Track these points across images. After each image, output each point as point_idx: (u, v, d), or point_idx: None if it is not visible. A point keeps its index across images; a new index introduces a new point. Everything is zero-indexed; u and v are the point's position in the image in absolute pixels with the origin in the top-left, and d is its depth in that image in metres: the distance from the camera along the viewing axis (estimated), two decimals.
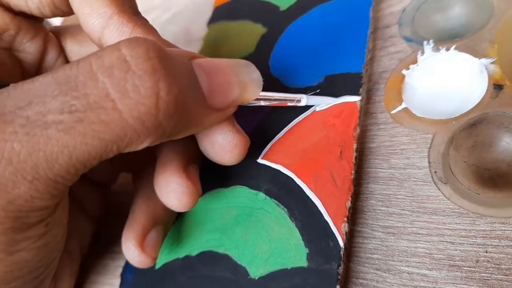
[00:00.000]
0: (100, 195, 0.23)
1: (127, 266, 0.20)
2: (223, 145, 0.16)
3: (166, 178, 0.16)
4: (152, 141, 0.13)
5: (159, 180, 0.17)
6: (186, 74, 0.14)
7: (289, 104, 0.19)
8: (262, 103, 0.18)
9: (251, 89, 0.16)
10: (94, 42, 0.16)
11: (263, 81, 0.22)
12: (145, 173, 0.19)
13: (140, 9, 0.34)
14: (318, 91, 0.20)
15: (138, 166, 0.20)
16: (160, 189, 0.17)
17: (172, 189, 0.16)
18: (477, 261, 0.15)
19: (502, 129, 0.16)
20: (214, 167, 0.21)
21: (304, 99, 0.19)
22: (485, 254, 0.15)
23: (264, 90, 0.22)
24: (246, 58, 0.24)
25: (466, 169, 0.16)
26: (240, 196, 0.19)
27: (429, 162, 0.16)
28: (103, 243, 0.23)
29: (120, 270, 0.21)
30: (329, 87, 0.20)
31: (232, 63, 0.16)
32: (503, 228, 0.15)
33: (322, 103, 0.19)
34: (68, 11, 0.17)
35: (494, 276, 0.15)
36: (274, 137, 0.20)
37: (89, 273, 0.23)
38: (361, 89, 0.19)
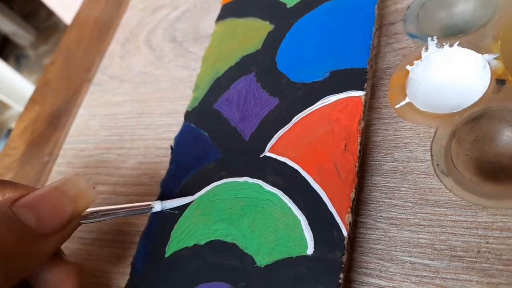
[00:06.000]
0: None
1: (137, 256, 0.21)
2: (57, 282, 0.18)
3: None
4: None
5: None
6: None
7: (141, 212, 0.20)
8: (105, 218, 0.18)
9: (84, 197, 0.17)
10: None
11: (269, 77, 0.23)
12: None
13: (149, 7, 0.35)
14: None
15: None
16: None
17: None
18: (478, 252, 0.16)
19: (504, 123, 0.17)
20: (222, 159, 0.21)
21: (158, 205, 0.20)
22: (486, 245, 0.16)
23: (267, 86, 0.22)
24: (253, 54, 0.24)
25: (468, 162, 0.17)
26: (247, 187, 0.19)
27: (431, 155, 0.17)
28: (113, 234, 0.24)
29: (130, 259, 0.22)
30: (335, 82, 0.20)
31: (56, 185, 0.17)
32: (504, 220, 0.16)
33: (178, 204, 0.20)
34: None
35: (495, 266, 0.15)
36: (280, 131, 0.20)
37: (101, 262, 0.23)
38: (365, 84, 0.19)
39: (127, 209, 0.19)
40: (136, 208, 0.19)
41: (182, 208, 0.21)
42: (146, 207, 0.19)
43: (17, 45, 1.64)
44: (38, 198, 0.16)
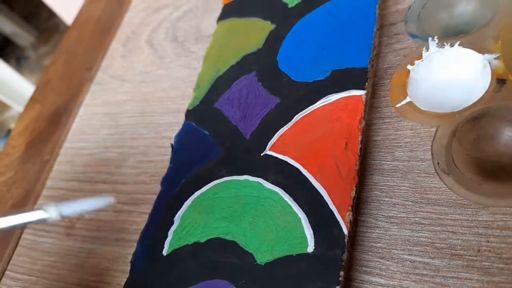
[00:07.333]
0: None
1: (137, 254, 0.21)
2: None
3: None
4: None
5: None
6: None
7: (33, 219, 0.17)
8: None
9: None
10: None
11: (270, 76, 0.23)
12: None
13: (151, 6, 0.35)
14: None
15: None
16: None
17: None
18: (478, 251, 0.16)
19: (504, 122, 0.17)
20: (222, 158, 0.21)
21: (51, 210, 0.17)
22: (487, 243, 0.16)
23: (268, 85, 0.22)
24: (254, 53, 0.24)
25: (468, 162, 0.17)
26: (248, 185, 0.19)
27: (432, 154, 0.17)
28: (113, 232, 0.24)
29: (130, 257, 0.22)
30: (336, 82, 0.20)
31: None
32: (505, 219, 0.16)
33: (75, 210, 0.18)
34: None
35: (495, 265, 0.15)
36: (281, 130, 0.20)
37: (102, 261, 0.23)
38: (366, 84, 0.19)
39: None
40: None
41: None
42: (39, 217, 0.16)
43: (17, 46, 1.65)
44: None
